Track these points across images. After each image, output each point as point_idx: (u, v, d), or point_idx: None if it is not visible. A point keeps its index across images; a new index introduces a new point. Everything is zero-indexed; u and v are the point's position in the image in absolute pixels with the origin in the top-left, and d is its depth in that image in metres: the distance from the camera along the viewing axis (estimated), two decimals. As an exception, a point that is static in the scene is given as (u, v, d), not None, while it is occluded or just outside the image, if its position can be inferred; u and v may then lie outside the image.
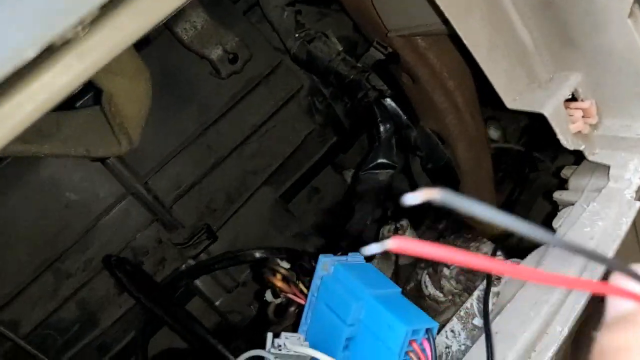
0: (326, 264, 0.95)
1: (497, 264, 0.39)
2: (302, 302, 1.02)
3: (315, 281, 0.96)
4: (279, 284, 1.02)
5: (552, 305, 0.87)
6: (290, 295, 1.02)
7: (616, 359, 0.33)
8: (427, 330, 0.87)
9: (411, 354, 0.86)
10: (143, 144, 1.38)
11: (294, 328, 1.08)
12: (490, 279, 1.01)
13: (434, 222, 1.53)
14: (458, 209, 0.42)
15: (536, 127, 1.63)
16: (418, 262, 1.32)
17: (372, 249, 0.45)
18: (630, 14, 0.81)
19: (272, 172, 1.62)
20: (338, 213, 1.73)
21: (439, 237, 1.51)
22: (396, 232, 1.40)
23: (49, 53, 0.51)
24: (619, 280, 0.37)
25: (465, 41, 0.92)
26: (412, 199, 0.39)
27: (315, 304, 0.95)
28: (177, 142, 1.50)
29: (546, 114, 0.92)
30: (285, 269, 1.03)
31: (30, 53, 0.47)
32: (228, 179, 1.58)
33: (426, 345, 0.87)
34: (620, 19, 0.82)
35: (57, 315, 1.44)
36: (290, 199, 1.68)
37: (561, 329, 0.86)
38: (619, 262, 0.37)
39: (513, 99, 0.97)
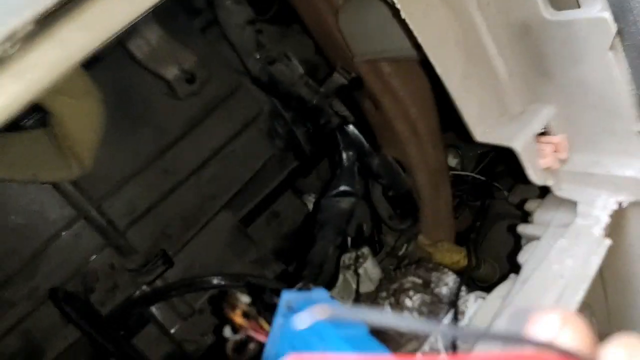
0: (288, 301, 0.85)
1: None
2: (262, 339, 0.92)
3: (278, 319, 0.86)
4: (239, 319, 0.92)
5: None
6: (250, 332, 0.92)
7: None
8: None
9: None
10: (96, 166, 1.26)
11: (253, 365, 0.98)
12: (457, 312, 0.93)
13: (393, 249, 1.46)
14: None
15: (493, 156, 1.59)
16: (379, 292, 1.24)
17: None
18: (611, 47, 0.76)
19: (231, 196, 1.51)
20: (297, 238, 1.64)
21: (398, 264, 1.44)
22: (357, 260, 1.32)
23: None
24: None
25: (437, 69, 0.85)
26: (304, 321, 0.34)
27: (278, 343, 0.86)
28: (132, 164, 1.38)
29: (517, 148, 0.86)
30: (245, 304, 0.93)
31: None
32: (185, 204, 1.47)
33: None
34: (600, 51, 0.77)
35: (-2, 347, 1.29)
36: (250, 224, 1.58)
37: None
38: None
39: (483, 132, 0.91)
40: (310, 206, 1.65)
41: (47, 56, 0.46)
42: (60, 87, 0.93)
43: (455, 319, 0.91)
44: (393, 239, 1.50)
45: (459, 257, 1.37)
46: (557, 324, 0.31)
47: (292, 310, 0.86)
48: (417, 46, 0.85)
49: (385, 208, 1.41)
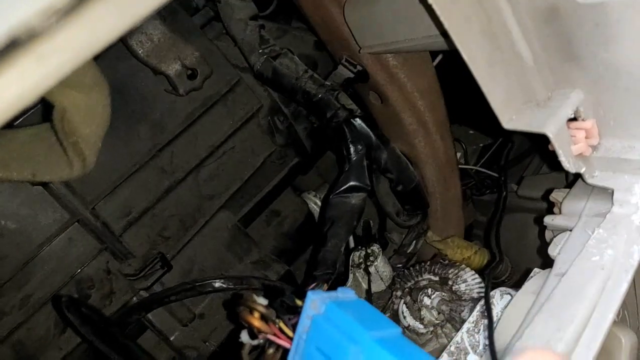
0: (315, 301, 0.79)
1: None
2: (283, 343, 0.86)
3: (304, 321, 0.80)
4: (257, 323, 0.85)
5: (567, 343, 0.75)
6: (270, 336, 0.85)
7: None
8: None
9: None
10: (90, 166, 1.18)
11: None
12: (490, 309, 0.88)
13: (401, 247, 1.40)
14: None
15: (496, 148, 1.55)
16: (394, 291, 1.18)
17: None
18: (646, 27, 0.71)
19: (230, 196, 1.44)
20: (298, 238, 1.58)
21: (407, 262, 1.39)
22: (367, 258, 1.27)
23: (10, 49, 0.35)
24: None
25: (464, 56, 0.79)
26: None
27: (304, 348, 0.79)
28: (128, 164, 1.30)
29: (549, 134, 0.81)
30: (263, 306, 0.86)
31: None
32: (183, 204, 1.39)
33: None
34: (635, 32, 0.73)
35: (-12, 361, 1.21)
36: (249, 223, 1.51)
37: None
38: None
39: (510, 119, 0.85)
40: (310, 204, 1.59)
41: (77, 38, 0.40)
42: (68, 79, 0.84)
43: (489, 316, 0.86)
44: (398, 236, 1.45)
45: (469, 253, 1.32)
46: None
47: (319, 311, 0.80)
48: (444, 35, 0.80)
49: (393, 204, 1.36)
